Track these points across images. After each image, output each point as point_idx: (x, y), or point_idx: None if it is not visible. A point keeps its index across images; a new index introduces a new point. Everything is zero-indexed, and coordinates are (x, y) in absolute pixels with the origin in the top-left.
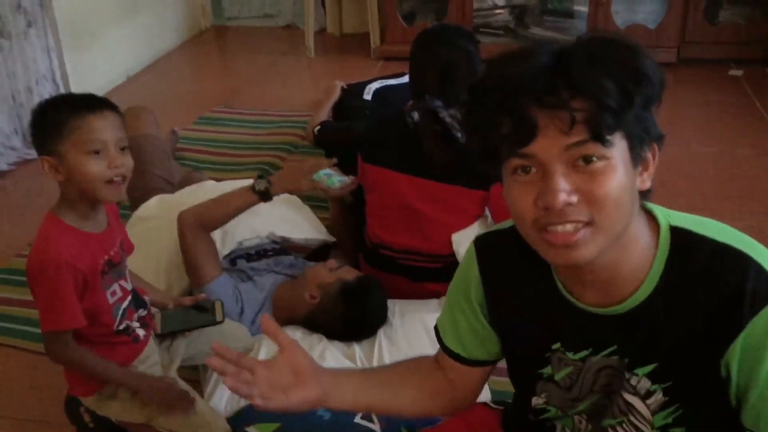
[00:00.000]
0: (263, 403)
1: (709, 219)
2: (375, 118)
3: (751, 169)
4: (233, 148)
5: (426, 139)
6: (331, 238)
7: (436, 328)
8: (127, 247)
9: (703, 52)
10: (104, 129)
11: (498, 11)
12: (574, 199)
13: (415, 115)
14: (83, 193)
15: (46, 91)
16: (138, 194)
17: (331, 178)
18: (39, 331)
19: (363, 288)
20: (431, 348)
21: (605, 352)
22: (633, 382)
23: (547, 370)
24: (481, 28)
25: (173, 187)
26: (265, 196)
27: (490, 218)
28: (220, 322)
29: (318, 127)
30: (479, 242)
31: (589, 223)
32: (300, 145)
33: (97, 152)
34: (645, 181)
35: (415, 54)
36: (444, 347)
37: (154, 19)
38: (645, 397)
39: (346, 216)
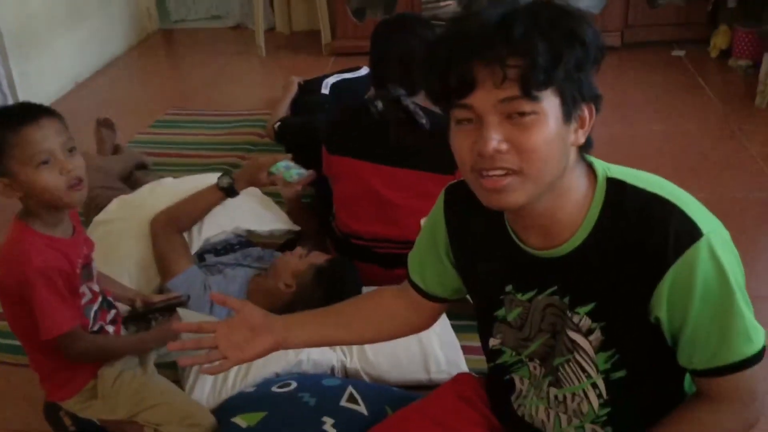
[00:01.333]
0: (221, 365)
1: (647, 173)
2: (336, 110)
3: (700, 144)
4: (193, 149)
5: (392, 127)
6: (295, 227)
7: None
8: (90, 248)
9: (646, 35)
10: (45, 138)
11: (446, 2)
12: (504, 147)
13: (379, 104)
14: (46, 204)
15: None
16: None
17: (290, 171)
18: (9, 342)
19: (336, 269)
20: None
21: (548, 292)
22: (575, 320)
23: (501, 312)
24: (431, 20)
25: (118, 188)
26: (230, 191)
27: None
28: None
29: (278, 123)
30: (448, 189)
31: (517, 172)
32: (259, 144)
33: (45, 162)
34: (579, 137)
35: (376, 44)
36: (409, 279)
37: (100, 24)
38: (587, 334)
39: (305, 207)
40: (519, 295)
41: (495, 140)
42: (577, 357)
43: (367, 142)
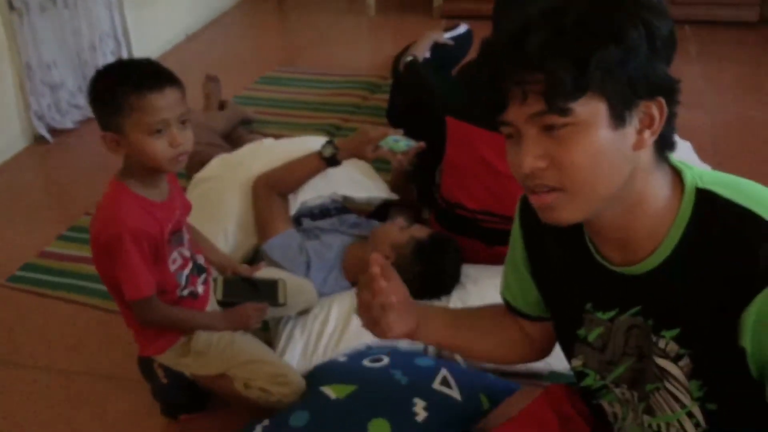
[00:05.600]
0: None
1: (752, 183)
2: (454, 71)
3: None
4: (295, 108)
5: None
6: (394, 196)
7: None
8: (186, 211)
9: None
10: (165, 107)
11: None
12: (542, 164)
13: None
14: (147, 167)
15: (108, 49)
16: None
17: (399, 143)
18: (105, 288)
19: (438, 245)
20: None
21: (631, 312)
22: (661, 345)
23: (581, 332)
24: None
25: (220, 145)
26: (333, 161)
27: None
28: (282, 305)
29: (410, 59)
30: (524, 198)
31: (560, 189)
32: (363, 106)
33: (158, 131)
34: (646, 139)
35: (499, 10)
36: (504, 300)
37: None
38: (676, 360)
39: (408, 176)
40: (599, 314)
41: (531, 156)
42: (668, 385)
43: (485, 108)
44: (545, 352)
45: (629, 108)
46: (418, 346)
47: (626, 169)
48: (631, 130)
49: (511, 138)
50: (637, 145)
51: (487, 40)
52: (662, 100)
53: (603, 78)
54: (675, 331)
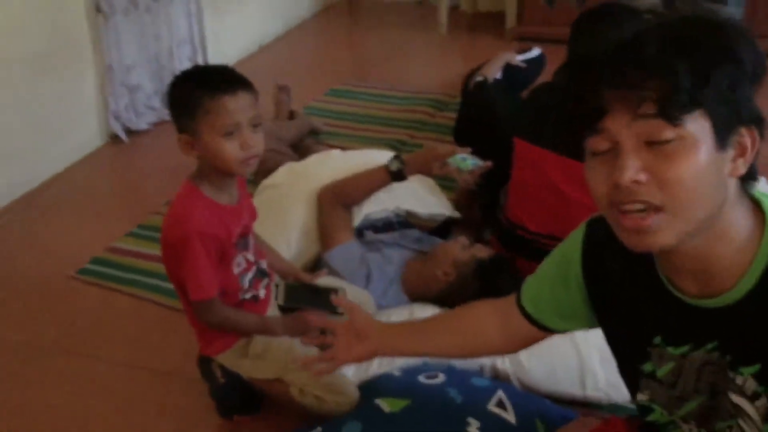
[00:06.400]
0: (328, 367)
1: None
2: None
3: None
4: (363, 122)
5: None
6: (457, 214)
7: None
8: (253, 217)
9: None
10: (238, 110)
11: None
12: (643, 177)
13: None
14: (218, 169)
15: (185, 55)
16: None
17: (465, 161)
18: (172, 286)
19: (498, 266)
20: (560, 341)
21: (706, 347)
22: (738, 382)
23: (648, 367)
24: (640, 11)
25: (287, 154)
26: (399, 176)
27: None
28: (341, 314)
29: (480, 79)
30: (591, 222)
31: (660, 208)
32: (430, 123)
33: (230, 134)
34: (739, 167)
35: (579, 33)
36: (518, 302)
37: None
38: (752, 398)
39: (473, 195)
40: (670, 349)
41: (632, 168)
42: (741, 423)
43: (553, 130)
44: (508, 349)
45: (731, 132)
46: (474, 364)
47: (721, 194)
48: (729, 156)
49: (601, 154)
50: (732, 172)
51: (579, 51)
52: (755, 130)
53: (716, 97)
54: (755, 368)
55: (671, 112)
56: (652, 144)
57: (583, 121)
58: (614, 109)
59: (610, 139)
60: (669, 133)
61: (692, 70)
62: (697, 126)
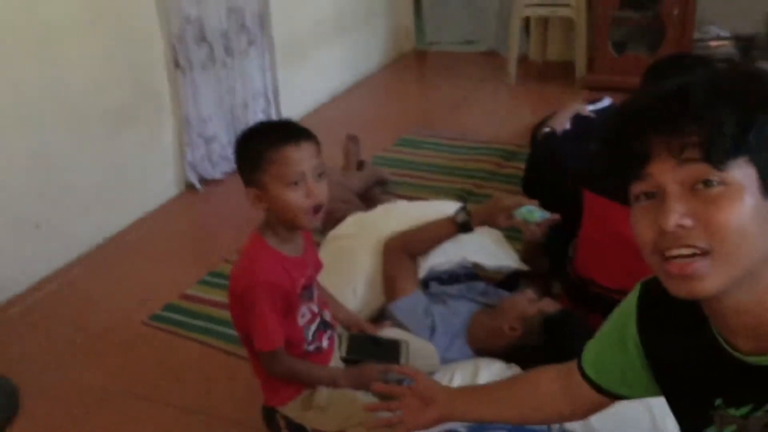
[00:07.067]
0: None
1: None
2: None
3: None
4: (430, 171)
5: None
6: (524, 267)
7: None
8: (317, 268)
9: None
10: (301, 160)
11: (721, 42)
12: (688, 222)
13: None
14: (285, 221)
15: (259, 107)
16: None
17: (533, 213)
18: (236, 334)
19: (566, 322)
20: (632, 401)
21: (766, 408)
22: None
23: (711, 430)
24: (711, 60)
25: (354, 204)
26: (465, 227)
27: None
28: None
29: (548, 130)
30: (645, 283)
31: (707, 252)
32: (498, 174)
33: (296, 183)
34: None
35: (647, 85)
36: (580, 368)
37: (360, 41)
38: None
39: (540, 248)
40: (731, 411)
41: (677, 213)
42: None
43: (607, 167)
44: (574, 417)
45: None
46: (544, 427)
47: (767, 242)
48: None
49: (645, 199)
50: None
51: (627, 98)
52: None
53: (760, 143)
54: None
55: (715, 157)
56: (697, 190)
57: (627, 167)
58: (658, 155)
59: (654, 184)
60: (713, 176)
61: (736, 117)
62: (742, 173)
